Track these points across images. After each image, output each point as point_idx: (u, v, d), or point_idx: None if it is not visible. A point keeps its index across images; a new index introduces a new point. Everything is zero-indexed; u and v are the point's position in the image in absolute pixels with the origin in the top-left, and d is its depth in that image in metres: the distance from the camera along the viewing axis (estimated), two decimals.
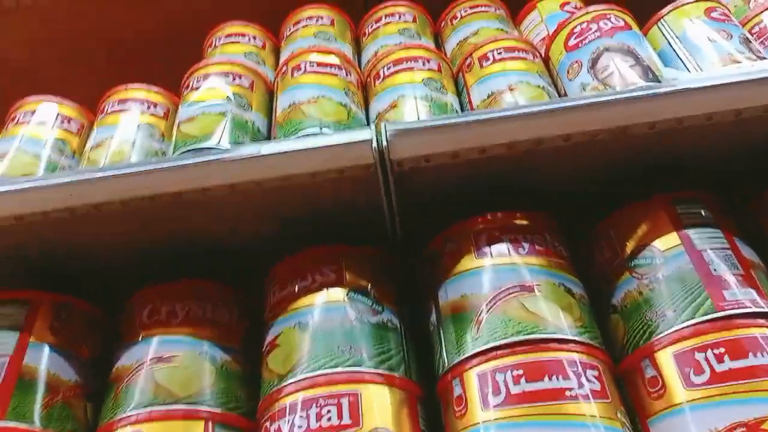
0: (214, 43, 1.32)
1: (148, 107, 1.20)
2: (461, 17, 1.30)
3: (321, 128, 1.00)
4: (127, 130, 1.13)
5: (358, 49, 1.35)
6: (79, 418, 0.93)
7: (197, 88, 1.10)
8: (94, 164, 1.11)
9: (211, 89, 1.07)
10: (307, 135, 0.98)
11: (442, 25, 1.37)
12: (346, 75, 1.09)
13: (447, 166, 0.95)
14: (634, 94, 0.87)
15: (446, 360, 0.89)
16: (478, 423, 0.80)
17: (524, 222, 0.96)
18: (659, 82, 0.93)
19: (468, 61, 1.14)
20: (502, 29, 1.22)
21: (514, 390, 0.80)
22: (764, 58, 0.97)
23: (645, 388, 0.85)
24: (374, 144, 0.88)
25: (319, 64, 1.08)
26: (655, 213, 0.96)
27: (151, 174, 0.91)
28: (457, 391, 0.86)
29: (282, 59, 1.20)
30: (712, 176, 1.04)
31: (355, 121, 1.03)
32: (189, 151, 0.99)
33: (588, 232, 1.04)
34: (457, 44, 1.24)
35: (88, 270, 1.09)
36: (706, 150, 1.00)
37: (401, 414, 0.85)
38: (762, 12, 1.10)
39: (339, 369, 0.86)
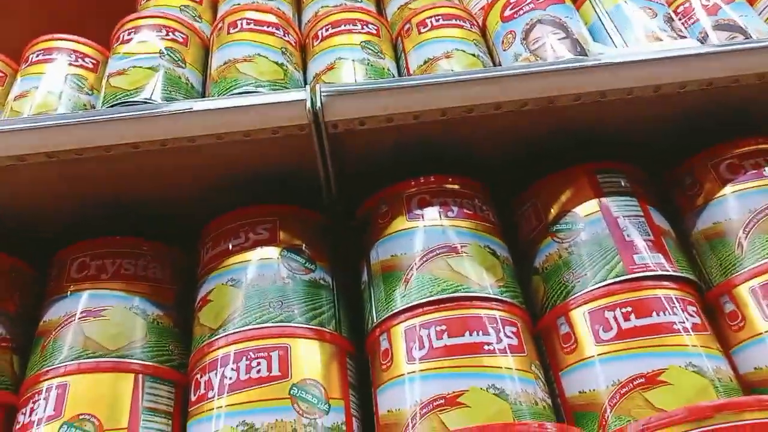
0: None
1: (77, 59, 1.15)
2: None
3: (257, 87, 0.99)
4: (54, 81, 1.09)
5: (299, 9, 1.34)
6: (5, 371, 0.92)
7: (128, 41, 1.06)
8: (17, 115, 1.07)
9: (143, 43, 1.05)
10: (242, 93, 0.97)
11: None
12: (284, 35, 1.09)
13: (382, 131, 0.97)
14: (561, 66, 0.91)
15: (375, 316, 0.93)
16: (403, 374, 0.84)
17: (454, 187, 0.99)
18: (586, 56, 0.97)
19: (406, 27, 1.15)
20: None
21: (437, 344, 0.84)
22: (684, 37, 1.02)
23: (560, 344, 0.91)
24: (308, 105, 0.89)
25: (255, 22, 1.07)
26: (577, 181, 1.01)
27: (77, 127, 0.89)
28: (384, 345, 0.90)
29: (219, 15, 1.17)
30: (635, 148, 1.10)
31: (291, 81, 1.03)
32: (119, 104, 0.97)
33: (517, 200, 1.08)
34: (398, 9, 1.25)
35: (16, 228, 1.06)
36: (628, 123, 1.05)
37: (330, 367, 0.88)
38: None
39: (270, 324, 0.88)
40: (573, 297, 0.91)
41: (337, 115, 0.92)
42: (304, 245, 0.98)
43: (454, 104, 0.93)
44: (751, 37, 1.04)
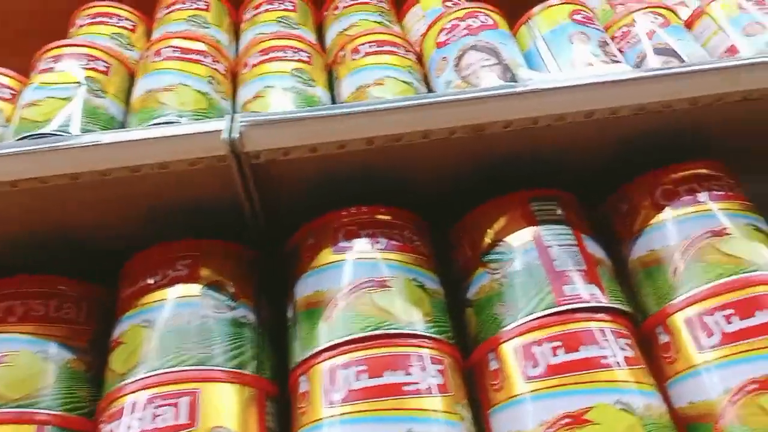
0: (78, 23, 1.24)
1: None
2: (343, 8, 1.28)
3: (178, 117, 0.96)
4: None
5: (238, 37, 1.31)
6: None
7: (46, 71, 1.02)
8: None
9: (61, 72, 1.01)
10: (159, 124, 0.94)
11: (326, 14, 1.35)
12: (213, 62, 1.06)
13: (307, 160, 0.94)
14: (487, 93, 0.88)
15: (296, 356, 0.89)
16: (321, 419, 0.80)
17: (384, 218, 0.95)
18: (516, 82, 0.95)
19: (340, 54, 1.12)
20: (381, 22, 1.21)
21: (356, 386, 0.80)
22: (618, 62, 1.01)
23: (489, 381, 0.88)
24: (225, 135, 0.86)
25: (182, 50, 1.03)
26: (510, 210, 0.98)
27: None
28: (303, 387, 0.85)
29: (148, 43, 1.14)
30: (572, 175, 1.08)
31: (216, 110, 0.99)
32: (27, 137, 0.93)
33: (452, 229, 1.05)
34: (336, 35, 1.22)
35: None
36: (564, 149, 1.03)
37: (246, 412, 0.83)
38: (625, 16, 1.15)
39: (180, 367, 0.83)
40: (502, 331, 0.88)
41: (258, 145, 0.89)
42: (226, 281, 0.94)
43: (379, 133, 0.90)
44: (684, 61, 1.03)
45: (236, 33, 1.32)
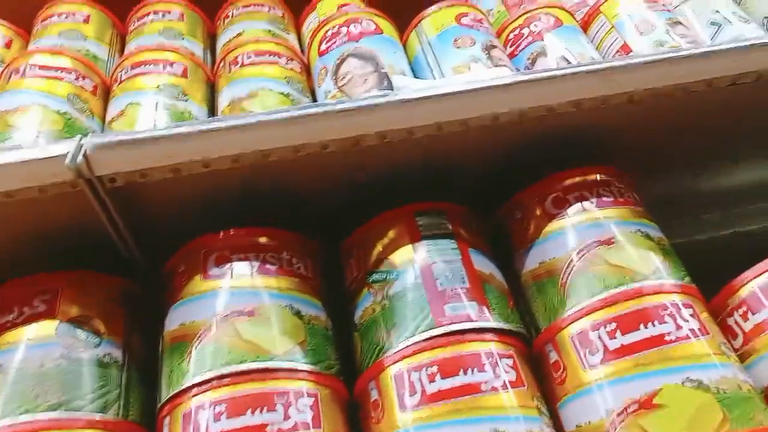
0: None
1: None
2: (232, 17, 1.21)
3: (35, 139, 0.89)
4: None
5: (122, 48, 1.24)
6: None
7: None
8: None
9: None
10: (8, 148, 0.86)
11: (218, 24, 1.29)
12: (77, 79, 0.98)
13: (173, 181, 0.87)
14: (353, 105, 0.83)
15: (161, 396, 0.82)
16: None
17: (258, 240, 0.89)
18: (392, 90, 0.91)
19: (221, 65, 1.06)
20: (269, 31, 1.15)
21: (215, 428, 0.73)
22: (502, 66, 0.97)
23: (370, 413, 0.82)
24: (68, 160, 0.79)
25: (41, 67, 0.96)
26: (396, 226, 0.93)
27: None
28: (165, 430, 0.79)
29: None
30: (471, 184, 1.04)
31: (76, 130, 0.92)
32: None
33: (342, 247, 1.00)
34: (223, 46, 1.16)
35: None
36: (453, 159, 0.99)
37: None
38: (517, 18, 1.11)
39: (30, 415, 0.76)
40: (381, 359, 0.82)
41: (110, 168, 0.82)
42: (91, 316, 0.87)
43: (244, 150, 0.84)
44: (570, 63, 0.99)
45: (123, 45, 1.25)
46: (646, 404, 0.73)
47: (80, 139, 0.80)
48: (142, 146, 0.81)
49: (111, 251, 0.98)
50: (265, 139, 0.84)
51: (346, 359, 0.90)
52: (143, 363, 0.90)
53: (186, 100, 0.97)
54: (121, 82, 0.99)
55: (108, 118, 0.97)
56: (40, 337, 0.83)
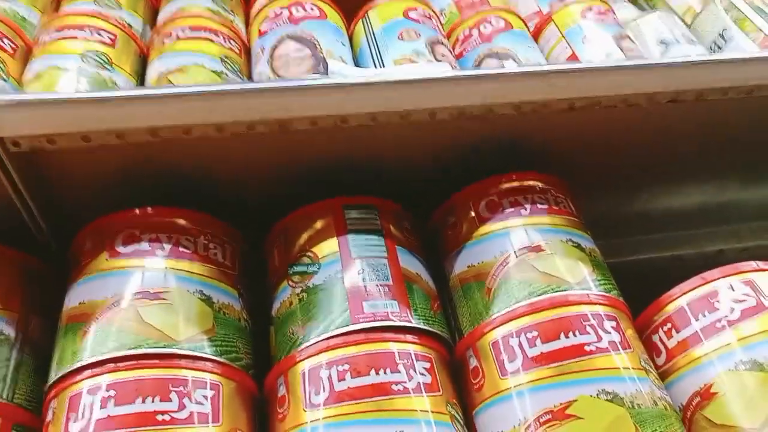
0: None
1: None
2: None
3: None
4: None
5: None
6: None
7: None
8: None
9: None
10: None
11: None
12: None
13: (84, 151, 0.81)
14: (282, 85, 0.79)
15: (50, 377, 0.76)
16: None
17: (173, 221, 0.84)
18: (326, 75, 0.87)
19: (154, 37, 1.01)
20: (211, 9, 1.10)
21: (100, 415, 0.68)
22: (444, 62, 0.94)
23: (275, 409, 0.77)
24: None
25: None
26: (323, 217, 0.89)
27: None
28: (50, 415, 0.72)
29: None
30: (403, 183, 1.01)
31: None
32: None
33: (267, 238, 0.95)
34: (160, 19, 1.11)
35: None
36: (381, 154, 0.96)
37: None
38: (468, 19, 1.10)
39: None
40: (292, 353, 0.78)
41: (13, 130, 0.76)
42: None
43: (162, 123, 0.79)
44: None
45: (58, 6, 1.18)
46: (560, 415, 0.70)
47: None
48: (48, 108, 0.75)
49: (24, 232, 0.92)
50: (185, 113, 0.79)
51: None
52: (42, 347, 0.83)
53: (111, 70, 0.92)
54: (44, 44, 0.93)
55: (25, 80, 0.91)
56: None
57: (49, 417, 0.71)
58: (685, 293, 0.86)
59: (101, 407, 0.67)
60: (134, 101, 0.77)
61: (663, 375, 0.82)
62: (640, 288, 0.91)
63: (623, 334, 0.79)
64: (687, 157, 1.13)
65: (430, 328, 0.81)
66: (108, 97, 0.76)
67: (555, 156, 1.03)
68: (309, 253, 0.86)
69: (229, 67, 0.94)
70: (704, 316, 0.82)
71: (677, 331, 0.83)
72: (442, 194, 0.98)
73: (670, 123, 1.04)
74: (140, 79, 0.99)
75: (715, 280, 0.86)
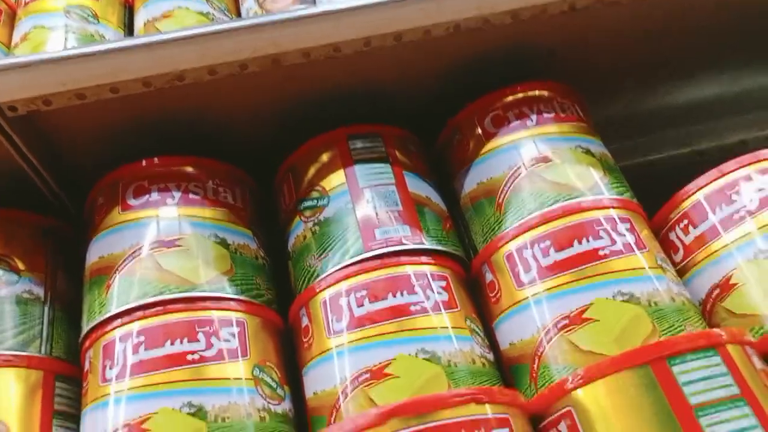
0: None
1: None
2: None
3: None
4: None
5: None
6: None
7: None
8: None
9: None
10: None
11: None
12: None
13: (81, 109, 0.81)
14: (271, 19, 0.77)
15: (82, 329, 0.79)
16: (98, 398, 0.71)
17: (180, 169, 0.85)
18: (314, 5, 0.85)
19: None
20: None
21: (133, 359, 0.71)
22: None
23: (302, 339, 0.80)
24: None
25: None
26: (328, 150, 0.88)
27: None
28: (87, 364, 0.76)
29: None
30: (410, 107, 0.99)
31: None
32: None
33: (276, 175, 0.96)
34: None
35: None
36: (378, 80, 0.93)
37: (22, 397, 0.74)
38: None
39: None
40: (311, 284, 0.80)
41: (6, 95, 0.76)
42: (6, 254, 0.83)
43: (154, 72, 0.78)
44: None
45: None
46: (577, 319, 0.71)
47: None
48: (38, 70, 0.75)
49: (39, 197, 0.93)
50: (176, 59, 0.78)
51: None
52: (71, 301, 0.87)
53: (97, 23, 0.90)
54: (26, 4, 0.92)
55: (12, 44, 0.91)
56: None
57: (87, 366, 0.75)
58: (701, 188, 0.84)
59: (134, 353, 0.71)
60: (123, 53, 0.76)
61: (681, 272, 0.82)
62: (662, 188, 0.89)
63: (638, 235, 0.78)
64: (699, 47, 1.08)
65: (443, 248, 0.82)
66: (96, 51, 0.75)
67: (561, 63, 1.00)
68: (317, 188, 0.86)
69: (215, 6, 0.92)
70: (722, 208, 0.81)
71: (694, 227, 0.83)
72: (447, 114, 0.96)
73: (680, 12, 0.99)
74: (128, 30, 0.97)
75: (732, 171, 0.84)
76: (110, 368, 0.71)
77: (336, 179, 0.85)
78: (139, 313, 0.73)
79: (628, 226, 0.78)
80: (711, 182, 0.84)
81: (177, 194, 0.83)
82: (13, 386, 0.74)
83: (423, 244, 0.80)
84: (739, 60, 1.14)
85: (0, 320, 0.77)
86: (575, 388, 0.62)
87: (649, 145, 1.25)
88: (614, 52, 1.03)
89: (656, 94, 1.20)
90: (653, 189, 0.90)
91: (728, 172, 0.84)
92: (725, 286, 0.77)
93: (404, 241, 0.79)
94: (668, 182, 0.89)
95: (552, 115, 0.88)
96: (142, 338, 0.72)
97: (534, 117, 0.88)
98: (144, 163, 0.84)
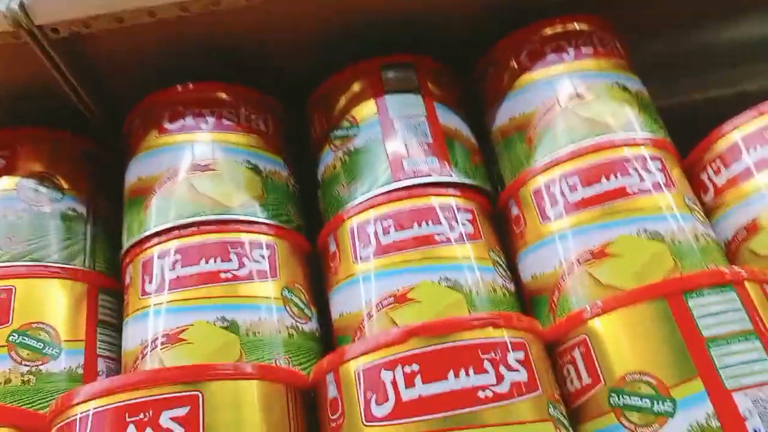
0: None
1: None
2: None
3: None
4: None
5: None
6: None
7: None
8: None
9: None
10: None
11: None
12: None
13: (119, 32, 0.83)
14: None
15: (123, 246, 0.84)
16: (138, 309, 0.75)
17: (214, 95, 0.86)
18: None
19: None
20: None
21: (171, 275, 0.75)
22: None
23: (328, 264, 0.83)
24: (4, 6, 0.75)
25: None
26: (361, 80, 0.89)
27: None
28: (127, 279, 0.81)
29: None
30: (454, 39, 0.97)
31: None
32: None
33: (309, 102, 0.96)
34: None
35: None
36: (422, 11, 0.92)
37: (71, 306, 0.79)
38: None
39: None
40: (339, 212, 0.82)
41: (50, 16, 0.78)
42: (50, 172, 0.87)
43: None
44: None
45: None
46: (599, 254, 0.72)
47: None
48: None
49: (80, 119, 0.96)
50: None
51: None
52: (112, 220, 0.91)
53: None
54: None
55: None
56: (3, 192, 0.84)
57: (127, 280, 0.80)
58: (737, 127, 0.82)
59: (171, 269, 0.75)
60: None
61: (709, 212, 0.82)
62: (705, 129, 0.87)
63: (668, 173, 0.77)
64: None
65: (470, 181, 0.83)
66: None
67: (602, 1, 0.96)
68: (348, 117, 0.87)
69: None
70: (756, 149, 0.79)
71: (726, 167, 0.81)
72: (485, 46, 0.94)
73: None
74: None
75: None
76: (149, 283, 0.75)
77: (367, 109, 0.86)
78: (176, 233, 0.77)
79: (658, 164, 0.78)
80: (748, 122, 0.82)
81: (211, 120, 0.84)
82: (60, 296, 0.79)
83: (450, 176, 0.81)
84: None
85: (46, 234, 0.82)
86: (592, 317, 0.64)
87: (694, 85, 1.21)
88: None
89: (704, 33, 1.16)
90: (696, 129, 0.88)
91: (767, 113, 0.82)
92: (752, 228, 0.76)
93: (432, 173, 0.81)
94: (712, 123, 0.87)
95: (591, 50, 0.86)
96: (178, 257, 0.76)
97: (572, 51, 0.86)
98: (179, 88, 0.86)
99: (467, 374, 0.55)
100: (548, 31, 0.89)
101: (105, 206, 0.91)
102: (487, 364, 0.57)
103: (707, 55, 1.19)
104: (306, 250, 0.85)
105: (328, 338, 0.81)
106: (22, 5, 0.75)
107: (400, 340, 0.58)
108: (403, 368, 0.56)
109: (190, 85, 0.86)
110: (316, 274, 0.85)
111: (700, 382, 0.56)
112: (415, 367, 0.56)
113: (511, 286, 0.79)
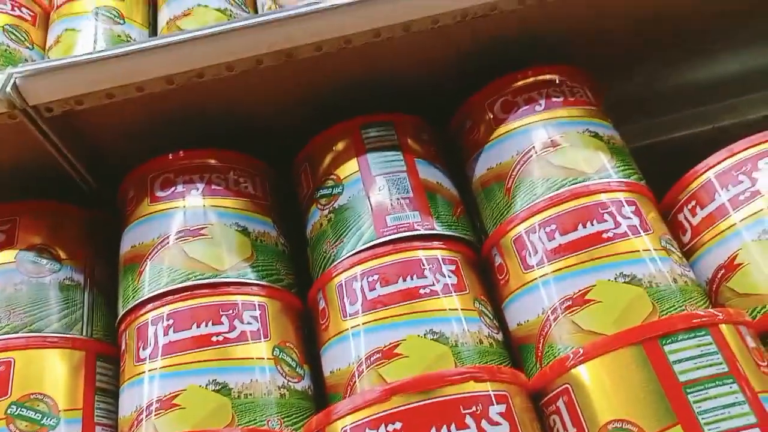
0: None
1: None
2: None
3: None
4: None
5: None
6: None
7: None
8: None
9: None
10: None
11: None
12: (14, 8, 0.97)
13: (110, 108, 0.87)
14: (282, 15, 0.80)
15: (119, 312, 0.86)
16: (133, 376, 0.77)
17: (202, 161, 0.89)
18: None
19: None
20: None
21: (164, 341, 0.77)
22: None
23: (319, 321, 0.85)
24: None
25: None
26: (342, 139, 0.92)
27: None
28: (123, 345, 0.83)
29: None
30: (425, 95, 1.01)
31: (15, 62, 0.93)
32: None
33: (294, 163, 1.00)
34: None
35: None
36: (390, 69, 0.96)
37: (70, 375, 0.81)
38: None
39: None
40: (327, 269, 0.84)
41: (43, 97, 0.82)
42: (47, 243, 0.90)
43: (177, 70, 0.83)
44: None
45: None
46: (579, 300, 0.74)
47: (10, 70, 0.80)
48: (68, 72, 0.80)
49: (78, 190, 1.00)
50: (194, 57, 0.82)
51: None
52: (108, 288, 0.94)
53: (123, 23, 0.95)
54: (58, 7, 0.98)
55: (47, 46, 0.97)
56: (3, 265, 0.87)
57: (124, 347, 0.82)
58: (711, 167, 0.85)
59: (164, 334, 0.77)
60: (145, 53, 0.81)
61: (689, 253, 0.84)
62: (683, 167, 0.89)
63: (643, 217, 0.79)
64: (719, 24, 1.07)
65: (453, 233, 0.85)
66: (121, 53, 0.80)
67: (573, 47, 1.00)
68: (332, 176, 0.90)
69: (233, 2, 0.95)
70: (729, 189, 0.81)
71: (701, 207, 0.83)
72: (461, 100, 0.98)
73: None
74: (153, 27, 1.02)
75: (743, 150, 0.84)
76: (143, 349, 0.77)
77: (349, 168, 0.89)
78: (169, 298, 0.79)
79: (633, 208, 0.80)
80: (721, 161, 0.84)
81: (201, 185, 0.88)
82: (59, 365, 0.81)
83: (433, 229, 0.84)
84: (761, 35, 1.12)
85: (45, 305, 0.85)
86: (574, 365, 0.65)
87: (671, 124, 1.25)
88: (630, 31, 1.03)
89: (677, 72, 1.19)
90: (675, 167, 0.90)
91: (739, 152, 0.84)
92: (730, 266, 0.78)
93: (415, 227, 0.83)
94: (691, 160, 0.89)
95: (561, 99, 0.90)
96: (171, 321, 0.78)
97: (543, 102, 0.90)
98: (169, 156, 0.90)
99: (449, 430, 0.57)
100: (519, 82, 0.92)
101: (103, 272, 0.94)
102: (468, 420, 0.58)
103: (682, 94, 1.23)
104: (297, 307, 0.87)
105: (322, 395, 0.82)
106: (15, 87, 0.79)
107: (383, 399, 0.59)
108: (386, 426, 0.58)
109: (180, 153, 0.90)
110: (310, 332, 0.87)
111: (680, 429, 0.57)
112: (398, 425, 0.57)
113: (499, 336, 0.80)
